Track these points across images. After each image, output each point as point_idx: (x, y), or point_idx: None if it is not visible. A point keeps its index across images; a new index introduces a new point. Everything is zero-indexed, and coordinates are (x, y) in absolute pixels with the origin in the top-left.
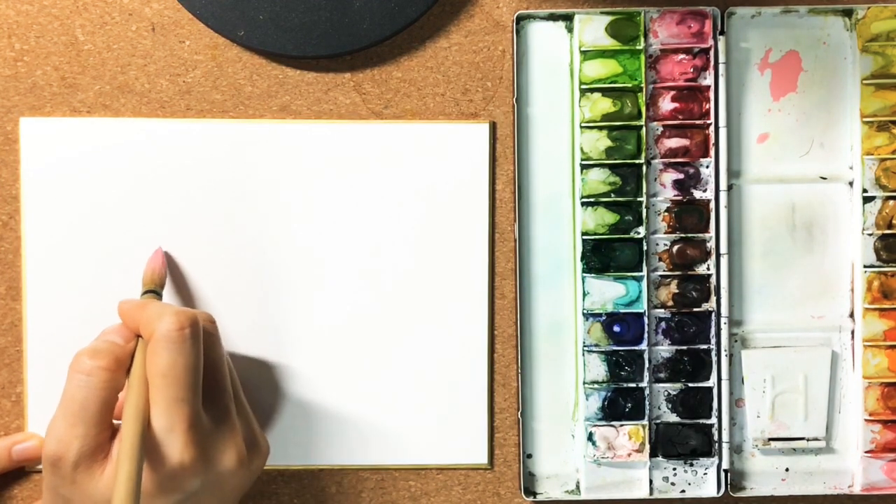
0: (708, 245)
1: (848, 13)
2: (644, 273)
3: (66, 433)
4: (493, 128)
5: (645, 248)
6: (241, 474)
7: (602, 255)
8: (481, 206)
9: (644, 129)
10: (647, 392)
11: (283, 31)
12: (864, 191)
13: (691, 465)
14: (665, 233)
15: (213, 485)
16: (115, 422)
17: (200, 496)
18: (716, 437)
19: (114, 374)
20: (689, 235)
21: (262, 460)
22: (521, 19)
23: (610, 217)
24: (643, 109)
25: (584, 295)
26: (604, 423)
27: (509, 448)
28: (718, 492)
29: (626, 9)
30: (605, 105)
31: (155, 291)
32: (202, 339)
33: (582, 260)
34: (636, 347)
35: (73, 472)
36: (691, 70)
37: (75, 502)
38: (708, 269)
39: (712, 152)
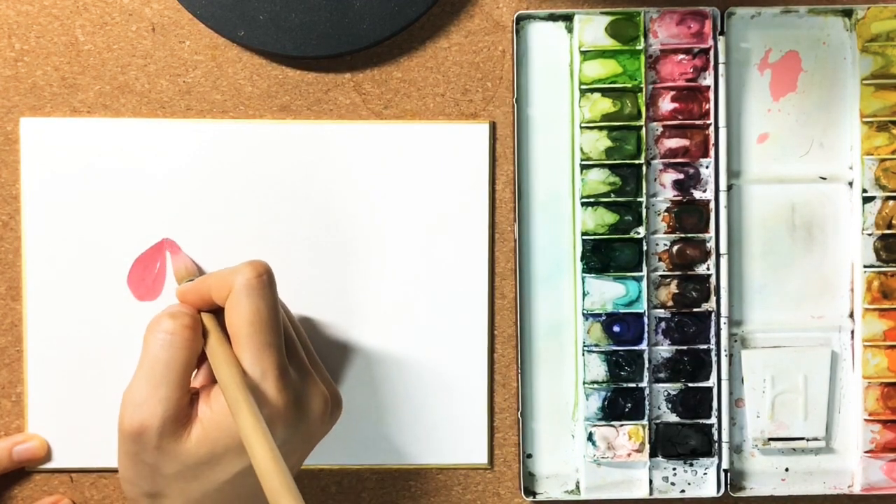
0: (708, 245)
1: (848, 13)
2: (644, 273)
3: (150, 397)
4: (493, 128)
5: (645, 248)
6: (325, 422)
7: (602, 255)
8: (481, 206)
9: (644, 129)
10: (646, 392)
11: (283, 31)
12: (864, 191)
13: (691, 465)
14: (665, 233)
15: (301, 431)
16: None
17: (289, 443)
18: (716, 437)
19: (195, 333)
20: (689, 235)
21: (340, 410)
22: (521, 19)
23: (610, 217)
24: (643, 109)
25: (584, 295)
26: (604, 423)
27: (509, 448)
28: (718, 492)
29: (626, 9)
30: (605, 105)
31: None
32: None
33: (582, 260)
34: (636, 347)
35: (158, 440)
36: (691, 70)
37: (162, 467)
38: (708, 269)
39: (712, 152)
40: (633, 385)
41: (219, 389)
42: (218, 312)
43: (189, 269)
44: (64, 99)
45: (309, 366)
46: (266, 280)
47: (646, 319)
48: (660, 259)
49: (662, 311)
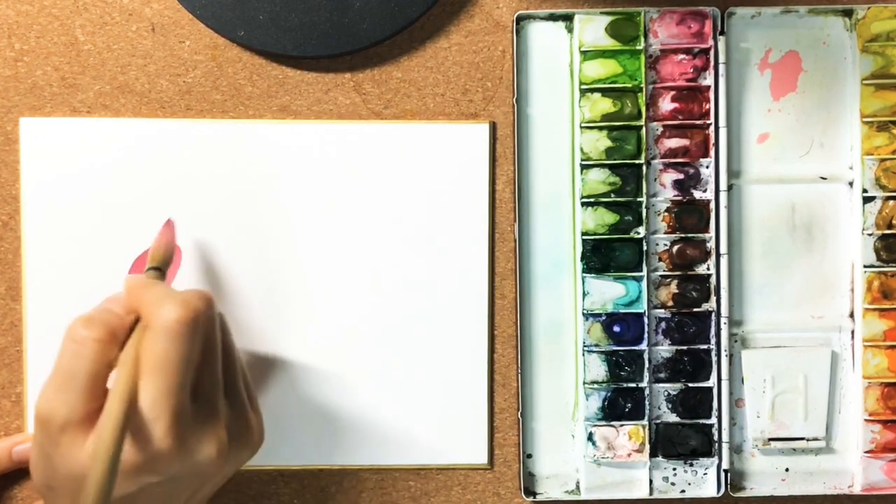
0: (708, 245)
1: (848, 13)
2: (644, 273)
3: (55, 397)
4: (493, 128)
5: (645, 248)
6: (220, 464)
7: (602, 255)
8: (481, 206)
9: (644, 129)
10: (647, 392)
11: (283, 31)
12: (864, 191)
13: (691, 465)
14: (665, 233)
15: (189, 473)
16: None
17: (177, 481)
18: (716, 437)
19: (106, 345)
20: (689, 235)
21: (250, 450)
22: (521, 19)
23: (610, 217)
24: (643, 109)
25: (584, 295)
26: (604, 423)
27: (509, 448)
28: (718, 492)
29: (626, 9)
30: (605, 105)
31: (159, 269)
32: (202, 327)
33: (582, 260)
34: (636, 347)
35: (58, 435)
36: (691, 70)
37: (56, 465)
38: (708, 269)
39: (712, 152)
40: (633, 385)
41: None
42: None
43: (167, 251)
44: (64, 99)
45: (219, 406)
46: (188, 328)
47: (646, 319)
48: (660, 259)
49: (662, 311)
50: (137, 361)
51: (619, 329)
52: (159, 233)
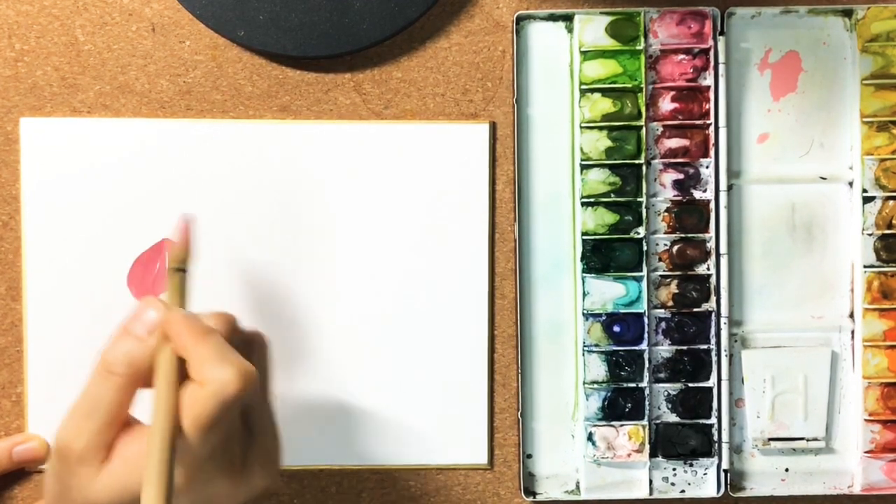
0: (708, 245)
1: (848, 13)
2: (644, 273)
3: (76, 426)
4: (493, 128)
5: (645, 248)
6: (232, 496)
7: (602, 255)
8: (481, 206)
9: (644, 129)
10: (647, 392)
11: (283, 31)
12: (864, 191)
13: (691, 465)
14: (665, 233)
15: (202, 501)
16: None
17: None
18: (715, 438)
19: (130, 379)
20: (689, 235)
21: (263, 482)
22: (521, 19)
23: (610, 217)
24: (643, 109)
25: (584, 295)
26: (604, 423)
27: (509, 448)
28: (718, 492)
29: (626, 9)
30: (605, 105)
31: (183, 269)
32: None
33: (582, 260)
34: (636, 347)
35: (76, 464)
36: (691, 70)
37: (72, 492)
38: (708, 269)
39: (712, 152)
40: (633, 385)
41: (133, 439)
42: None
43: (188, 249)
44: (64, 99)
45: (234, 451)
46: (242, 398)
47: (646, 319)
48: (660, 259)
49: (662, 311)
50: (176, 389)
51: (619, 329)
52: (177, 231)
